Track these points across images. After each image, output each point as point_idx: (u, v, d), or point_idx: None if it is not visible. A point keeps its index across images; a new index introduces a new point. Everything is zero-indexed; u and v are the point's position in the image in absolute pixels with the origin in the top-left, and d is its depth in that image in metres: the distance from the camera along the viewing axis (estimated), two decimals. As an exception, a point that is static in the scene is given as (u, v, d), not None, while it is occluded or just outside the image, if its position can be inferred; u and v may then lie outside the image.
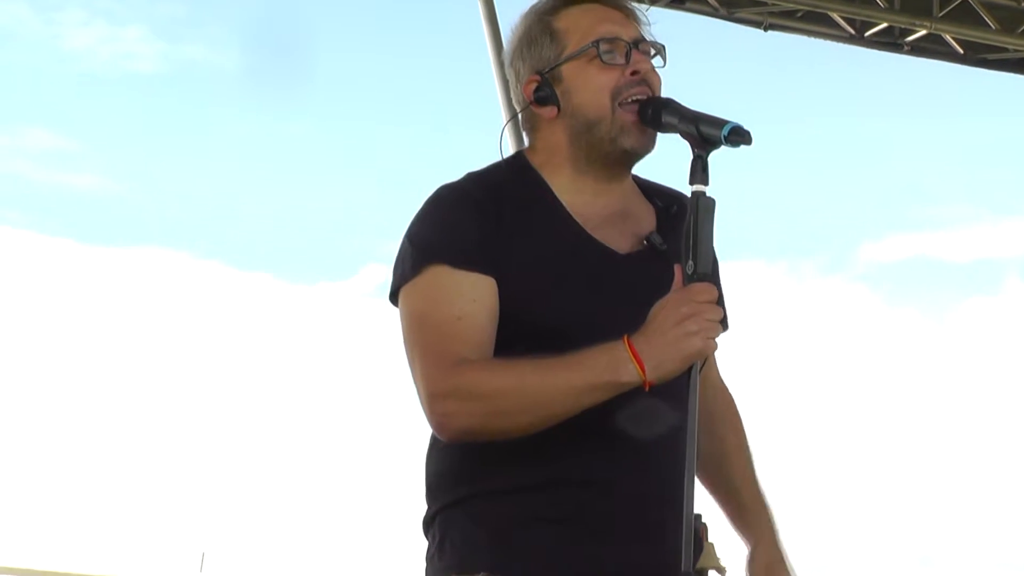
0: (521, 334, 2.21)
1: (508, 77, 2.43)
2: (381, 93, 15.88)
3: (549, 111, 2.33)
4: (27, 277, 14.30)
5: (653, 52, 2.34)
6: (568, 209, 2.31)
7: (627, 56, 2.29)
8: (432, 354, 2.19)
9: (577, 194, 2.33)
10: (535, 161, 2.37)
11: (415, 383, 2.21)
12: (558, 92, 2.32)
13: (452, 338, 2.18)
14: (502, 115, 6.95)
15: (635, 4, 2.38)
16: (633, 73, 2.28)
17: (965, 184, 15.33)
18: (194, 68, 15.96)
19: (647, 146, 2.30)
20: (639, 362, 2.07)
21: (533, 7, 2.40)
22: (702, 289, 2.09)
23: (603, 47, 2.29)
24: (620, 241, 2.31)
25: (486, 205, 2.27)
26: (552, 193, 2.33)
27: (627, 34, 2.32)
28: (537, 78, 2.33)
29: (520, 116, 2.40)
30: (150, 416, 12.82)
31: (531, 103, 2.35)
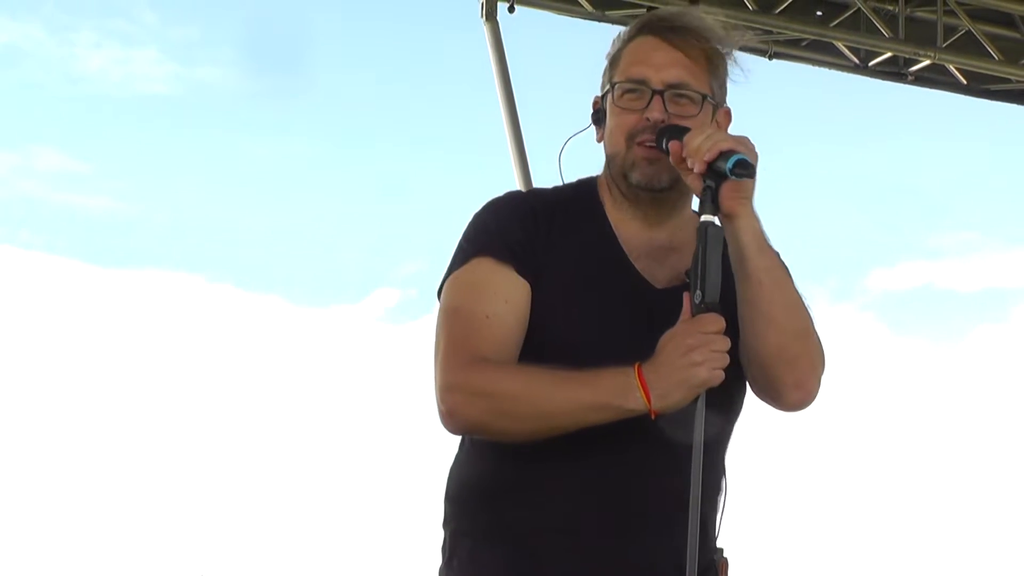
0: (541, 346, 2.25)
1: None
2: (397, 116, 15.94)
3: (599, 133, 2.39)
4: (37, 298, 14.35)
5: (702, 101, 2.31)
6: (617, 235, 2.35)
7: (649, 101, 2.29)
8: (453, 347, 2.23)
9: (625, 222, 2.36)
10: (600, 185, 2.41)
11: (433, 371, 2.26)
12: (605, 119, 2.37)
13: (477, 335, 2.23)
14: (507, 140, 6.99)
15: (716, 46, 2.33)
16: (647, 120, 2.28)
17: (974, 213, 15.35)
18: (207, 90, 16.02)
19: (655, 177, 2.29)
20: (645, 391, 2.10)
21: (629, 26, 2.44)
22: (709, 320, 2.11)
23: (619, 89, 2.32)
24: (660, 274, 2.33)
25: (540, 216, 2.33)
26: (605, 218, 2.36)
27: (659, 78, 2.29)
28: (598, 101, 2.40)
29: None
30: (160, 438, 12.86)
31: (592, 123, 2.41)
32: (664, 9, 2.44)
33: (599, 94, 2.40)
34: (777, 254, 2.30)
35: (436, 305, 2.35)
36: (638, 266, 2.32)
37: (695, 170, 2.16)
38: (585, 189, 2.41)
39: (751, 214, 2.21)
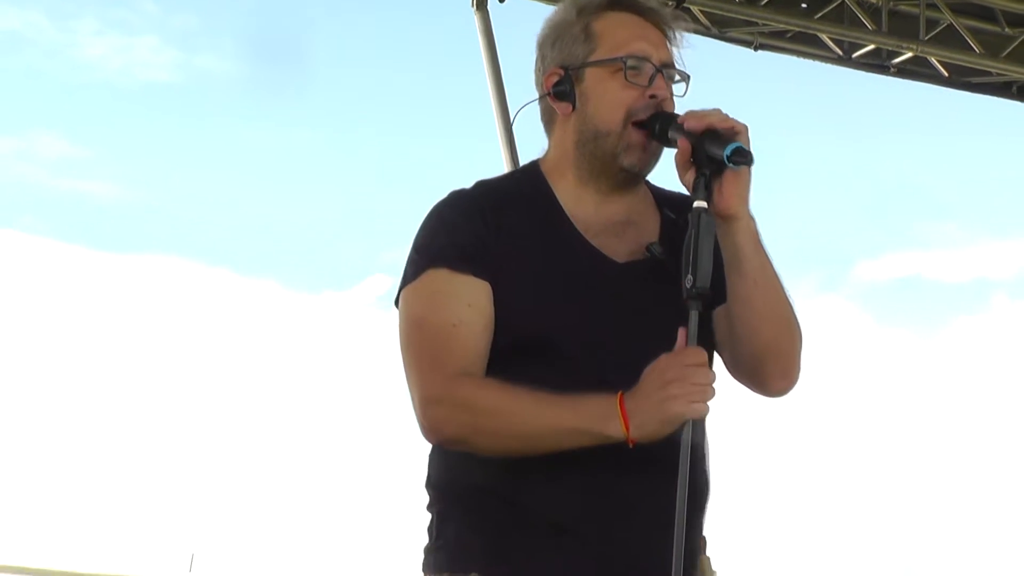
0: (513, 339, 2.24)
1: (535, 59, 2.41)
2: (390, 103, 16.10)
3: (564, 107, 2.33)
4: (38, 282, 14.49)
5: (677, 78, 2.35)
6: (570, 217, 2.32)
7: (651, 79, 2.30)
8: (429, 360, 2.23)
9: (579, 203, 2.33)
10: (545, 168, 2.38)
11: (409, 384, 2.25)
12: (577, 91, 2.32)
13: (449, 345, 2.22)
14: (497, 128, 7.09)
15: (676, 26, 2.37)
16: (651, 96, 2.28)
17: (956, 205, 15.50)
18: (206, 78, 16.19)
19: (647, 164, 2.31)
20: (625, 419, 2.10)
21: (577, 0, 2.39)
22: (691, 353, 2.10)
23: (630, 63, 2.29)
24: (619, 249, 2.31)
25: (488, 212, 2.29)
26: (556, 201, 2.34)
27: (657, 56, 2.31)
28: (560, 72, 2.33)
29: (540, 108, 2.40)
30: (155, 419, 12.99)
31: (548, 94, 2.35)
32: None
33: (563, 65, 2.34)
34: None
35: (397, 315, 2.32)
36: (596, 243, 2.30)
37: (687, 126, 2.18)
38: (530, 175, 2.39)
39: (748, 215, 2.22)
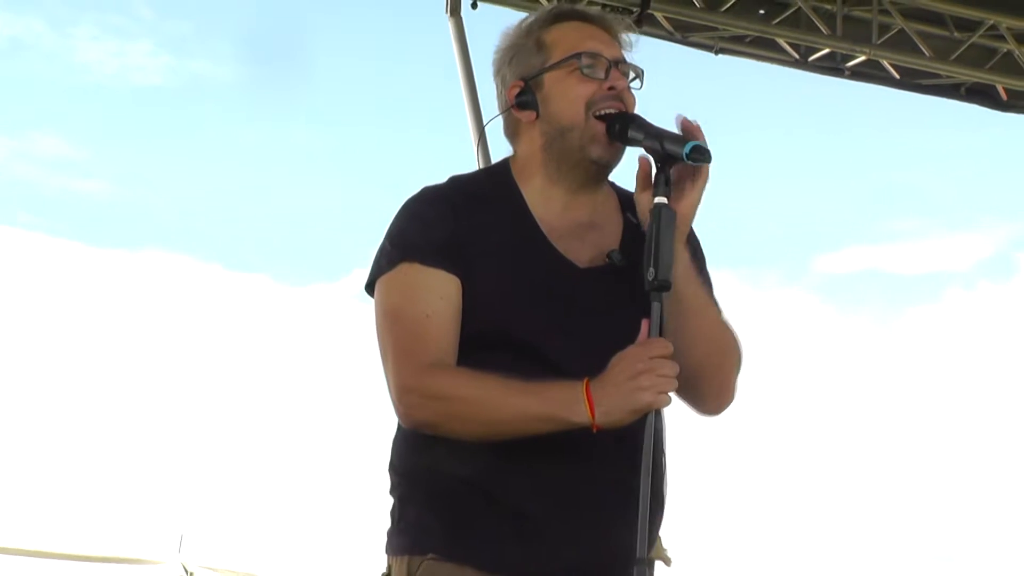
0: (478, 338, 2.32)
1: (495, 84, 2.50)
2: (376, 100, 16.45)
3: (528, 115, 2.42)
4: (36, 277, 14.81)
5: (632, 75, 2.44)
6: (536, 218, 2.39)
7: (607, 72, 2.39)
8: (404, 350, 2.30)
9: (546, 204, 2.40)
10: (514, 169, 2.45)
11: (386, 371, 2.33)
12: (538, 98, 2.40)
13: (423, 335, 2.30)
14: (470, 130, 7.32)
15: (621, 28, 2.48)
16: (610, 88, 2.38)
17: (912, 200, 15.84)
18: (198, 81, 16.58)
19: (614, 157, 2.38)
20: (591, 406, 2.16)
21: (523, 20, 2.51)
22: (657, 345, 2.17)
23: (585, 60, 2.39)
24: (581, 253, 2.38)
25: (460, 209, 2.36)
26: (523, 202, 2.40)
27: (609, 53, 2.41)
28: (521, 83, 2.42)
29: (503, 123, 2.48)
30: (148, 408, 13.25)
31: (512, 107, 2.43)
32: (572, 5, 2.57)
33: (522, 77, 2.43)
34: (704, 266, 2.45)
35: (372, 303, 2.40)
36: (559, 246, 2.38)
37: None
38: (501, 175, 2.46)
39: (682, 248, 2.29)
